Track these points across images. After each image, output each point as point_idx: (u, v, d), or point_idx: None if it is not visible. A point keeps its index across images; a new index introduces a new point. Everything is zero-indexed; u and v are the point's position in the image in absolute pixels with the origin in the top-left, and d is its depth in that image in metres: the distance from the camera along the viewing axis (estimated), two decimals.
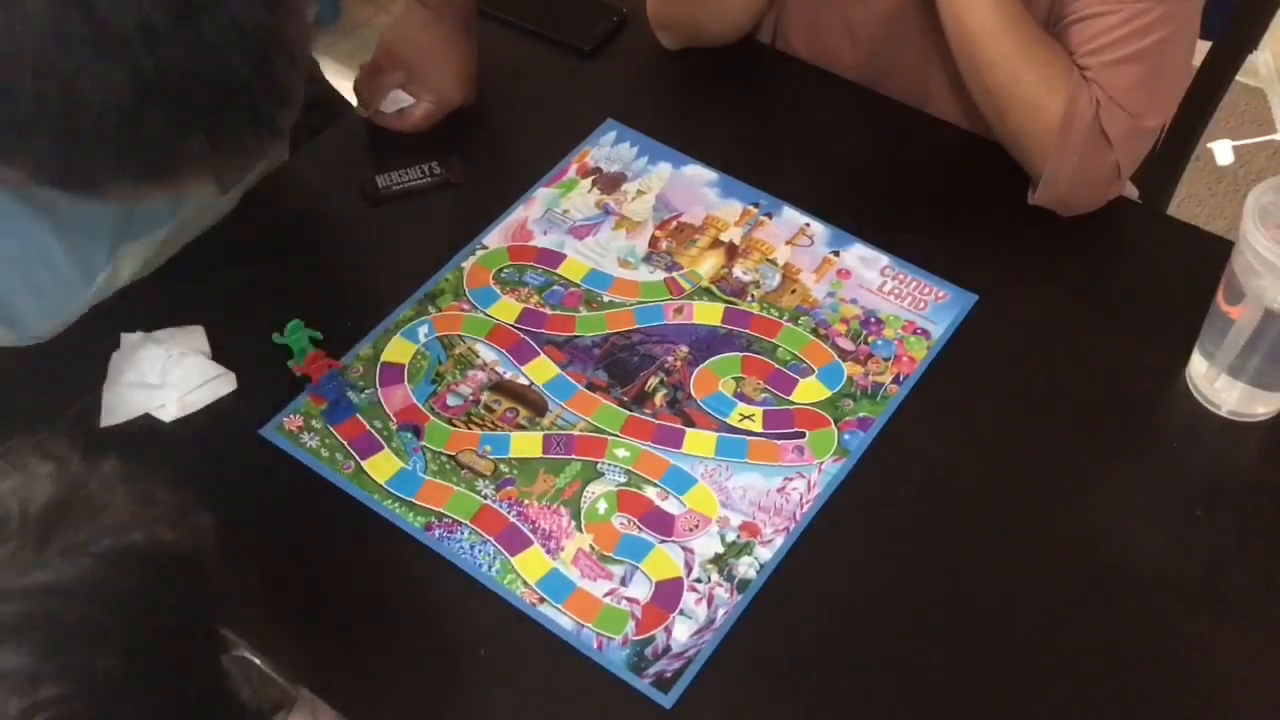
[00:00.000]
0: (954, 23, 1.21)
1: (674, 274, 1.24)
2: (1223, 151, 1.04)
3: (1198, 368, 1.15)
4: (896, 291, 1.22)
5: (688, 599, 1.02)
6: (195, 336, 1.18)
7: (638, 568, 1.04)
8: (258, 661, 0.67)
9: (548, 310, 1.21)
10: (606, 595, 1.03)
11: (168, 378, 1.12)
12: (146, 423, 1.12)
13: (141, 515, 0.62)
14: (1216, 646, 1.01)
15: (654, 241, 1.27)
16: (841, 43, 1.40)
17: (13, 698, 0.54)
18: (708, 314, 1.21)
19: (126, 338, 1.16)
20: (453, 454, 1.11)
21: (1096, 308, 1.22)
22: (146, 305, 1.21)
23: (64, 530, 0.59)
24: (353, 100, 1.41)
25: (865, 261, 1.24)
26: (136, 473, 0.64)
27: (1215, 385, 1.13)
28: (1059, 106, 1.19)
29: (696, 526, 1.06)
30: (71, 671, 0.56)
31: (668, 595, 1.03)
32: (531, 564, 1.04)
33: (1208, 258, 1.15)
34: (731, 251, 1.25)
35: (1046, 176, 1.22)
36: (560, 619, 1.01)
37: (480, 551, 1.05)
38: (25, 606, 0.57)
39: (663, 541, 1.06)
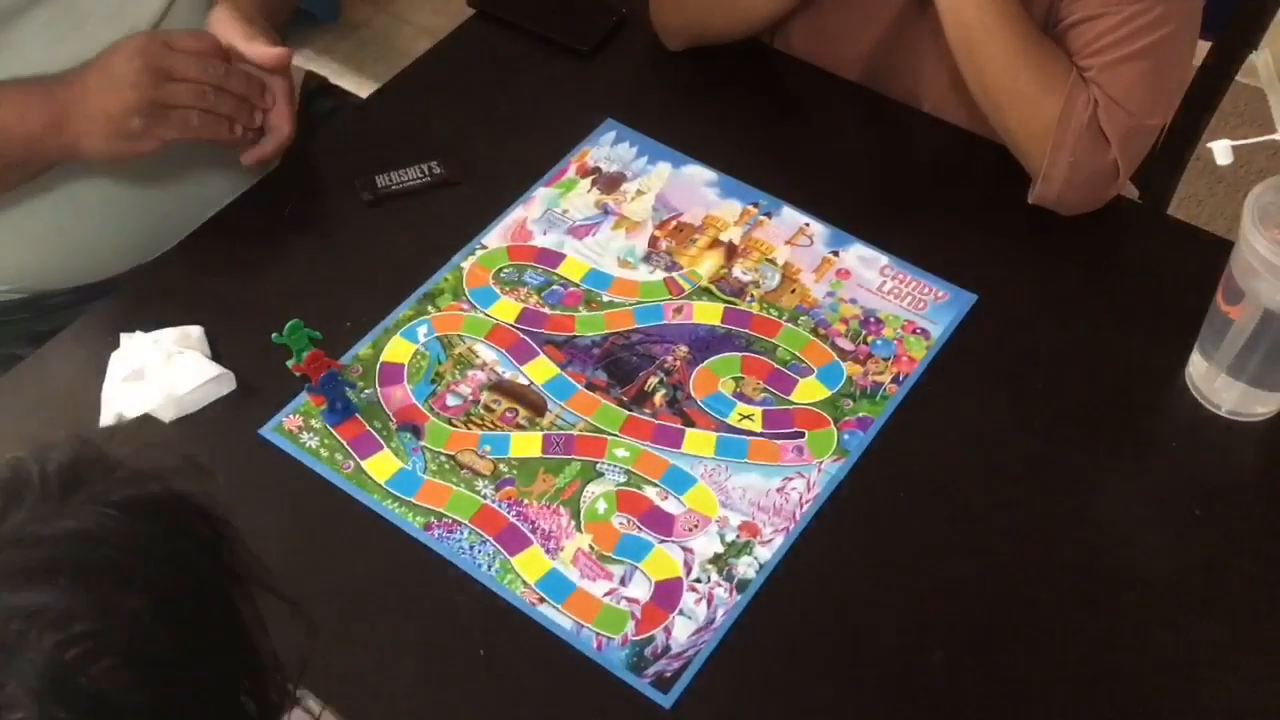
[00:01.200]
0: (953, 20, 1.22)
1: (673, 274, 1.24)
2: (1222, 151, 1.04)
3: (1197, 367, 1.15)
4: (896, 291, 1.22)
5: (687, 599, 1.02)
6: (195, 336, 1.18)
7: (637, 567, 1.04)
8: None
9: (547, 310, 1.21)
10: (606, 595, 1.03)
11: (167, 377, 1.12)
12: (146, 423, 1.12)
13: (155, 470, 0.65)
14: (1216, 646, 1.01)
15: (653, 241, 1.27)
16: (841, 43, 1.40)
17: (46, 633, 0.56)
18: (707, 314, 1.21)
19: (126, 338, 1.16)
20: (452, 454, 1.11)
21: (1096, 308, 1.22)
22: (146, 305, 1.21)
23: (84, 484, 0.61)
24: (349, 96, 1.41)
25: (865, 261, 1.24)
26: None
27: (1215, 385, 1.13)
28: (1056, 104, 1.19)
29: (696, 526, 1.06)
30: (102, 609, 0.58)
31: (667, 595, 1.03)
32: (531, 564, 1.04)
33: (1207, 258, 1.16)
34: (731, 251, 1.25)
35: (1043, 175, 1.22)
36: (560, 619, 1.01)
37: (480, 551, 1.05)
38: (54, 550, 0.59)
39: (662, 541, 1.06)
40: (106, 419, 1.12)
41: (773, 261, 1.25)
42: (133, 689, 0.58)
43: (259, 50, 1.22)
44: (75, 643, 0.56)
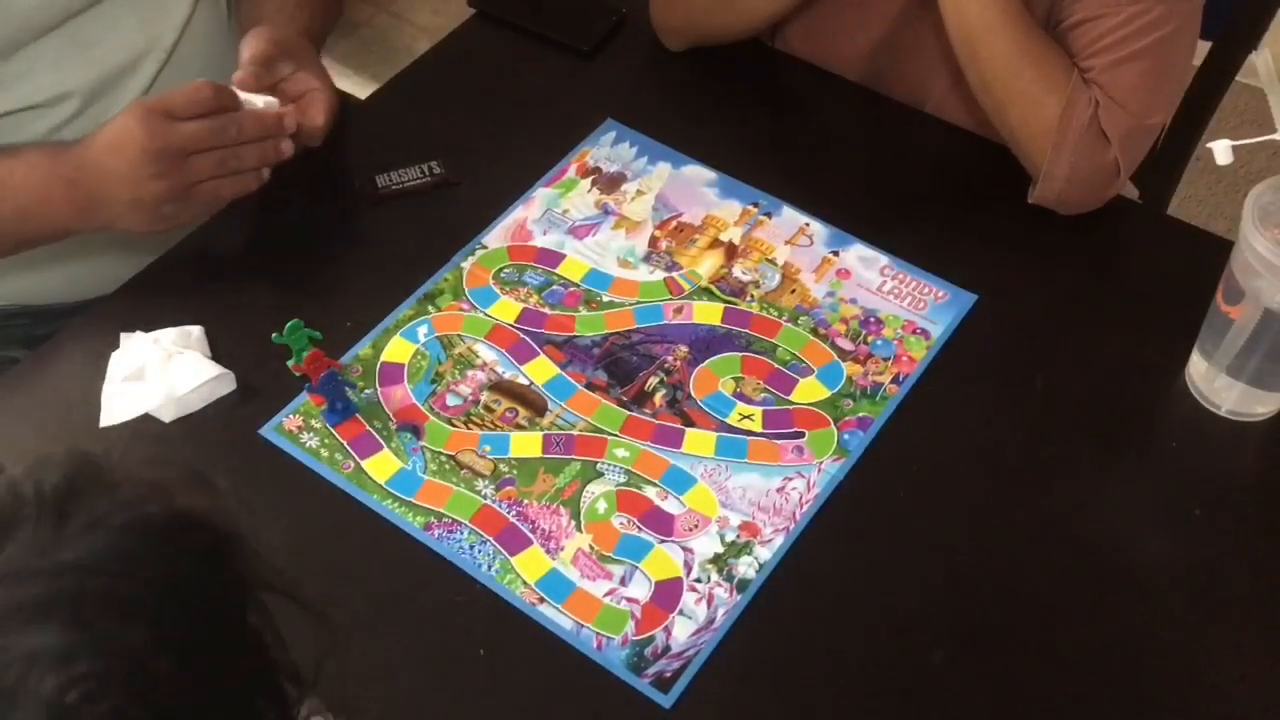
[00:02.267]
0: (955, 17, 1.21)
1: (673, 274, 1.24)
2: (1222, 151, 1.04)
3: (1197, 367, 1.15)
4: (896, 291, 1.22)
5: (687, 599, 1.02)
6: (195, 336, 1.17)
7: (637, 568, 1.04)
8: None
9: (547, 310, 1.21)
10: (606, 595, 1.03)
11: (167, 377, 1.12)
12: (146, 423, 1.12)
13: (155, 486, 0.63)
14: (1216, 646, 1.01)
15: (653, 241, 1.27)
16: (842, 43, 1.40)
17: (47, 675, 0.54)
18: (707, 314, 1.21)
19: (126, 338, 1.16)
20: (452, 454, 1.11)
21: (1096, 308, 1.22)
22: (146, 305, 1.21)
23: (81, 506, 0.59)
24: (349, 96, 1.41)
25: (865, 261, 1.24)
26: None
27: (1215, 385, 1.13)
28: (1057, 104, 1.20)
29: (696, 526, 1.06)
30: (103, 646, 0.56)
31: (667, 595, 1.02)
32: (531, 564, 1.04)
33: (1207, 258, 1.16)
34: (731, 251, 1.25)
35: (1044, 174, 1.22)
36: (560, 619, 1.01)
37: (480, 551, 1.05)
38: (51, 585, 0.57)
39: (662, 541, 1.06)
40: (106, 420, 1.12)
41: (773, 261, 1.25)
42: None
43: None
44: (76, 684, 0.55)
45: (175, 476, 0.65)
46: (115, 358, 1.15)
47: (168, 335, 1.16)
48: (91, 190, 1.15)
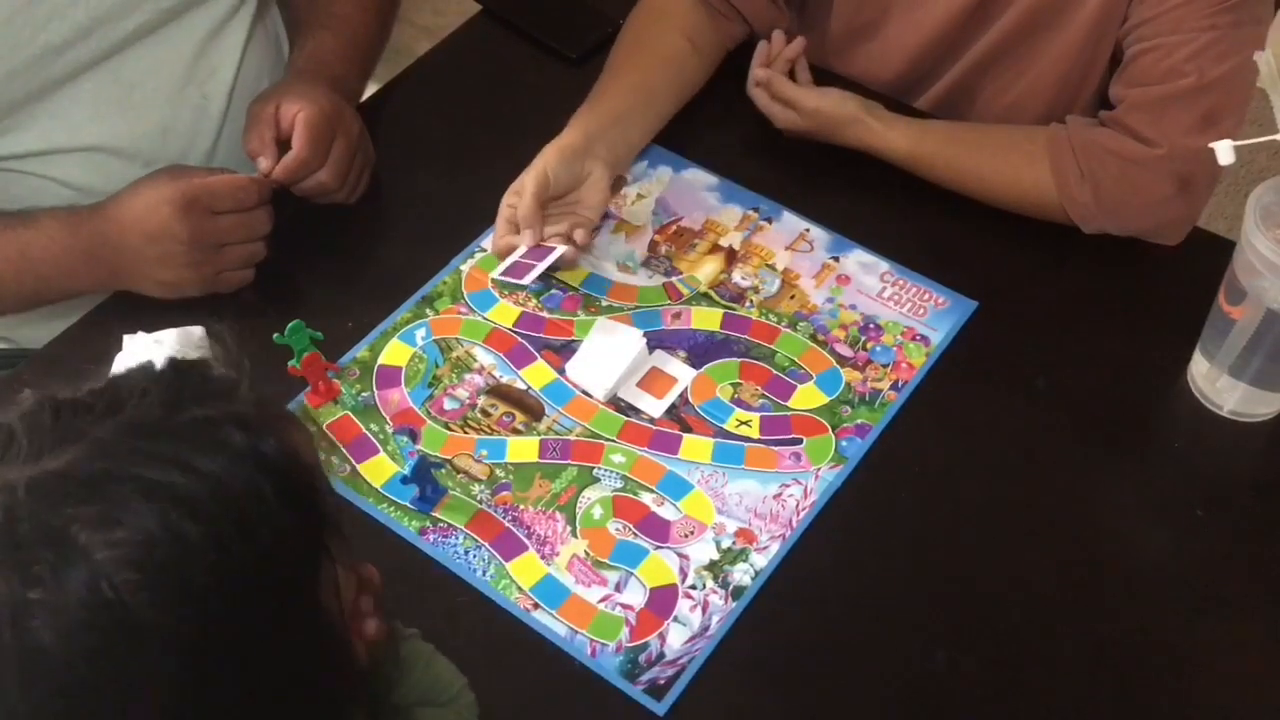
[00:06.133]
0: (902, 159, 1.27)
1: (673, 279, 1.23)
2: (1224, 151, 1.03)
3: (1199, 368, 1.14)
4: (896, 297, 1.21)
5: (682, 606, 1.02)
6: (197, 338, 1.17)
7: (632, 574, 1.04)
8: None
9: (546, 314, 1.21)
10: (601, 601, 1.02)
11: None
12: None
13: (264, 413, 0.66)
14: (1216, 646, 1.01)
15: (653, 246, 1.26)
16: (878, 61, 1.39)
17: (98, 534, 0.58)
18: (706, 319, 1.20)
19: (127, 338, 1.16)
20: (449, 458, 1.11)
21: (1098, 309, 1.22)
22: (148, 307, 1.21)
23: (192, 402, 0.65)
24: None
25: (865, 267, 1.24)
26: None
27: (1217, 385, 1.13)
28: (1044, 165, 1.22)
29: (692, 533, 1.06)
30: (166, 539, 0.59)
31: (662, 602, 1.02)
32: (526, 569, 1.04)
33: (1209, 258, 1.15)
34: (731, 256, 1.25)
35: (1066, 199, 1.22)
36: (554, 625, 1.01)
37: (475, 556, 1.05)
38: (149, 468, 0.61)
39: (658, 548, 1.05)
40: None
41: (772, 267, 1.24)
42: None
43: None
44: (120, 547, 0.58)
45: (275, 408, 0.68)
46: (119, 359, 1.15)
47: (169, 336, 1.16)
48: (116, 266, 1.17)
